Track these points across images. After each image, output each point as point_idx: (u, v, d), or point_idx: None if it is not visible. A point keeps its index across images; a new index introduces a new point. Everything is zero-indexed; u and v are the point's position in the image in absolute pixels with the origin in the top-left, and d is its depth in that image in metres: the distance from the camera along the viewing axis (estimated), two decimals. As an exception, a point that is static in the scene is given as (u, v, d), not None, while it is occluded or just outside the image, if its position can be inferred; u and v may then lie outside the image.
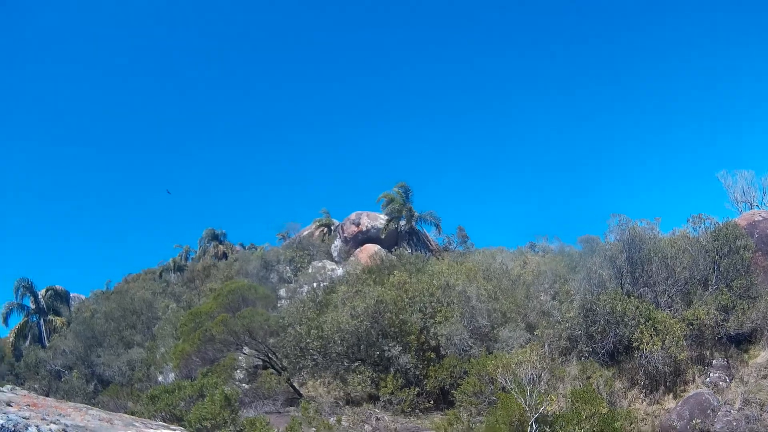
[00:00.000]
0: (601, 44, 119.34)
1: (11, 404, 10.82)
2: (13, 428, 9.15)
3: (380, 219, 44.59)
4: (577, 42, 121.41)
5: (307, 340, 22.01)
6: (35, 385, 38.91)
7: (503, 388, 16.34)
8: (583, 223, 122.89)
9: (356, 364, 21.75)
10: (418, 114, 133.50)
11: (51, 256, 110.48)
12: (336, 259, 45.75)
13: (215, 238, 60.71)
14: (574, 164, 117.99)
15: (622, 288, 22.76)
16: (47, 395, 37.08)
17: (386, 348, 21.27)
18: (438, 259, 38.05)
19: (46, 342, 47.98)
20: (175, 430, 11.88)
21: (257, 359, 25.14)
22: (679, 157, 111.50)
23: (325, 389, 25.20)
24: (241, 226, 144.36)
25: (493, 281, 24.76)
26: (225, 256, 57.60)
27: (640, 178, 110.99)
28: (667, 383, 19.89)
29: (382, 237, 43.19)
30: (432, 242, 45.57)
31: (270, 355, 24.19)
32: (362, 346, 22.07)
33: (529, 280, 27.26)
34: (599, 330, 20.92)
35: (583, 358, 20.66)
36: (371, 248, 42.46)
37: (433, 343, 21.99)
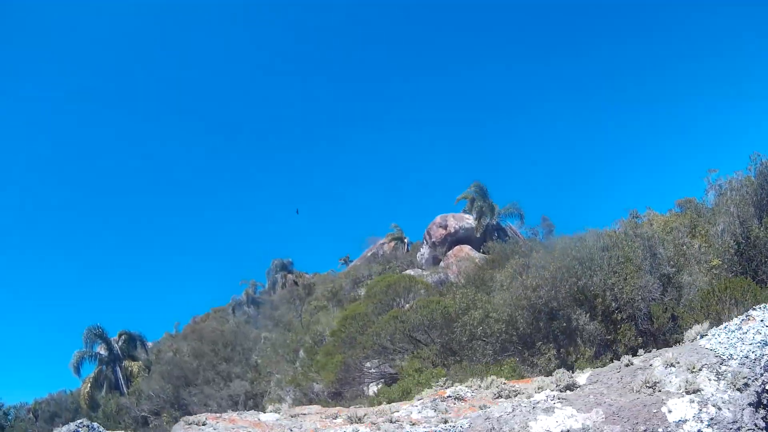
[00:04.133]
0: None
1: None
2: None
3: (466, 219, 44.01)
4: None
5: (483, 326, 21.16)
6: (119, 436, 37.88)
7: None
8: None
9: (540, 342, 20.80)
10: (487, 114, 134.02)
11: (106, 308, 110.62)
12: (423, 267, 45.09)
13: (284, 267, 60.53)
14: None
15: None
16: (134, 444, 35.38)
17: (574, 317, 20.38)
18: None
19: (124, 389, 46.14)
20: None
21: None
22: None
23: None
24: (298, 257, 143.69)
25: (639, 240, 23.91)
26: (296, 283, 57.26)
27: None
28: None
29: (474, 236, 42.58)
30: (519, 236, 44.91)
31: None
32: (541, 323, 21.19)
33: (665, 237, 26.64)
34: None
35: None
36: (464, 249, 41.77)
37: (614, 305, 21.13)
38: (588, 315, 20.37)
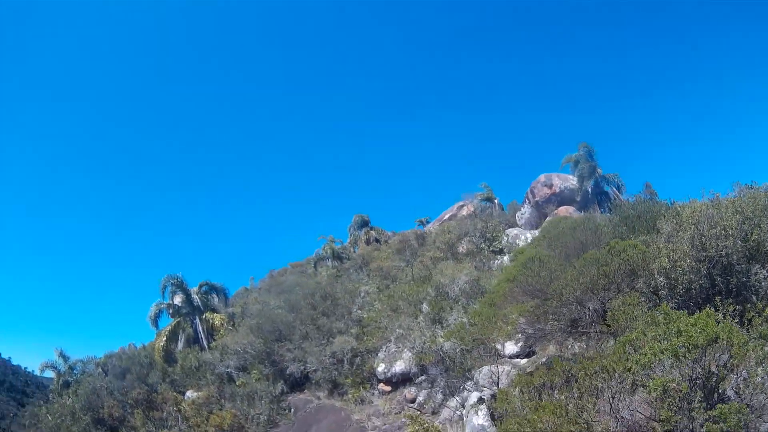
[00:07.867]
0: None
1: None
2: None
3: (571, 180, 43.99)
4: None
5: (670, 276, 21.26)
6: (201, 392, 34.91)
7: None
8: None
9: (719, 297, 20.90)
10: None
11: (181, 266, 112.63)
12: (523, 227, 45.23)
13: (364, 224, 61.10)
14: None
15: None
16: (221, 402, 32.63)
17: (753, 271, 20.80)
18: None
19: (205, 343, 42.90)
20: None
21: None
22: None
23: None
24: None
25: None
26: (377, 240, 57.39)
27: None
28: None
29: (576, 198, 42.74)
30: (622, 200, 44.90)
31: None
32: (718, 277, 21.48)
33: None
34: None
35: None
36: (566, 210, 41.89)
37: (787, 263, 21.43)
38: (766, 270, 20.86)
